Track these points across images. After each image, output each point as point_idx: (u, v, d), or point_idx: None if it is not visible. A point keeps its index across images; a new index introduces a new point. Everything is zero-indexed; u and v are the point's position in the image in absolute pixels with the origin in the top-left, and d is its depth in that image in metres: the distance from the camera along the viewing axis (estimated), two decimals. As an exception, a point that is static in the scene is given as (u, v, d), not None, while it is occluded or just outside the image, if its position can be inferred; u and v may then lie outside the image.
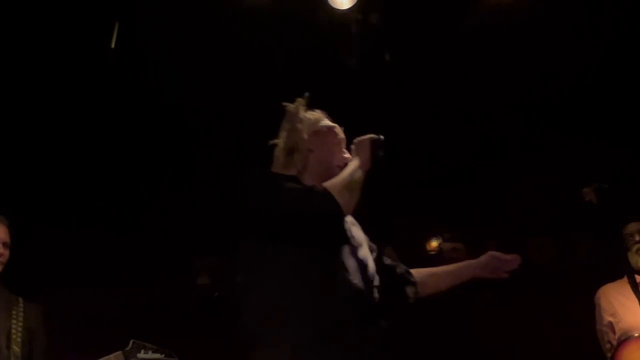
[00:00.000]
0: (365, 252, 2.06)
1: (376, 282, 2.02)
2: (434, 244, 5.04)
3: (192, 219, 4.40)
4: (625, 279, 3.06)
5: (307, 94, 2.16)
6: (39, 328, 2.95)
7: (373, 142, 2.05)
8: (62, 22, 3.54)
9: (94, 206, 4.33)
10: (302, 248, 1.87)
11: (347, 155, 2.12)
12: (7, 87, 3.72)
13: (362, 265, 1.98)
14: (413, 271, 2.27)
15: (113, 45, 3.36)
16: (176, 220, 4.42)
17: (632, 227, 3.29)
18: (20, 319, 2.86)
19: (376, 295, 1.98)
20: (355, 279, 1.92)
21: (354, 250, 2.00)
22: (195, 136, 4.20)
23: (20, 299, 2.93)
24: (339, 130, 2.18)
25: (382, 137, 2.06)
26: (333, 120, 2.19)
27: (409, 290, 2.20)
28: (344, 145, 2.16)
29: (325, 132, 2.15)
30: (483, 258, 2.26)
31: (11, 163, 3.96)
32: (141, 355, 3.04)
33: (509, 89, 3.96)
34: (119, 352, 3.02)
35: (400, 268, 2.25)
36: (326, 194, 1.88)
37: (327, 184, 1.93)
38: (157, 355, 3.08)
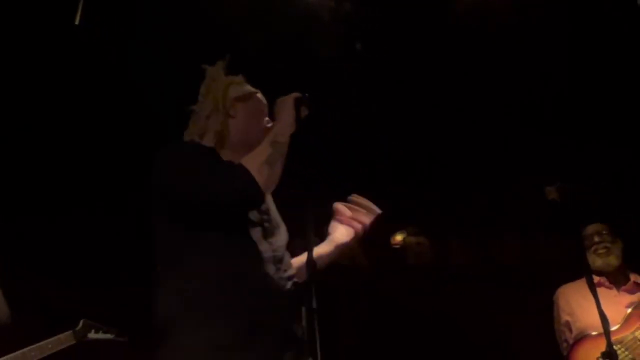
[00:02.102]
0: (282, 238, 1.93)
1: (290, 271, 1.88)
2: (398, 237, 5.07)
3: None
4: (583, 279, 3.12)
5: (228, 56, 2.02)
6: None
7: (297, 100, 1.87)
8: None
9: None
10: (219, 233, 1.74)
11: (269, 124, 1.97)
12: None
13: (276, 253, 1.85)
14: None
15: (77, 22, 3.25)
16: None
17: (591, 228, 3.37)
18: None
19: (290, 285, 1.84)
20: (270, 269, 1.79)
21: (269, 234, 1.87)
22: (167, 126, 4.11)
23: None
24: (261, 96, 2.04)
25: (307, 94, 1.89)
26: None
27: None
28: (266, 113, 2.01)
29: (247, 97, 2.00)
30: (329, 245, 2.05)
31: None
32: (91, 334, 3.07)
33: (476, 85, 3.97)
34: (69, 332, 3.03)
35: None
36: (244, 173, 1.71)
37: (245, 159, 1.76)
38: (107, 335, 3.10)
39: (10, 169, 3.88)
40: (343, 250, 2.09)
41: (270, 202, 1.97)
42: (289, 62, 3.71)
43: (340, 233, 2.09)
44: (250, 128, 1.97)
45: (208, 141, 1.96)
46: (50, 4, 3.44)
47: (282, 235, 1.94)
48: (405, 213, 4.85)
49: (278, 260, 1.84)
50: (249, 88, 2.05)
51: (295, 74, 3.55)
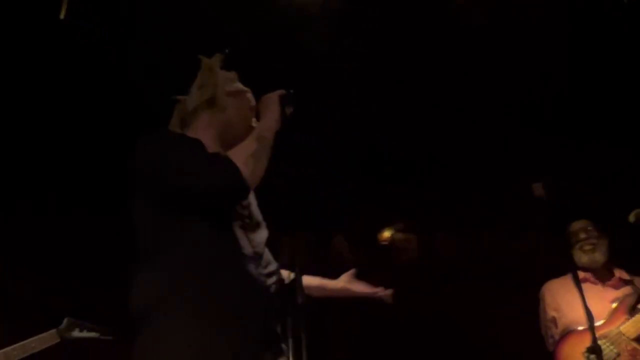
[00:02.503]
0: (261, 235, 1.89)
1: (270, 268, 1.85)
2: (386, 234, 5.07)
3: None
4: (569, 275, 3.14)
5: (227, 50, 2.01)
6: None
7: (282, 97, 1.88)
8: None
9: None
10: (201, 225, 1.69)
11: (255, 124, 1.95)
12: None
13: (256, 249, 1.81)
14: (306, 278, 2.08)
15: (62, 16, 3.21)
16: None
17: (576, 225, 3.39)
18: None
19: (270, 282, 1.81)
20: (250, 265, 1.75)
21: (249, 230, 1.83)
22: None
23: None
24: (251, 96, 2.03)
25: (292, 91, 1.89)
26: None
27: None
28: (254, 112, 1.99)
29: (239, 93, 2.00)
30: (341, 284, 2.27)
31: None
32: (76, 333, 3.00)
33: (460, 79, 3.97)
34: (52, 331, 2.98)
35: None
36: (230, 164, 1.67)
37: (232, 152, 1.73)
38: (92, 334, 3.04)
39: (10, 168, 3.85)
40: (349, 296, 2.28)
41: (252, 198, 1.94)
42: (287, 61, 3.69)
43: (358, 287, 2.28)
44: (239, 124, 1.96)
45: (192, 133, 1.92)
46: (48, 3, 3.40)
47: (262, 232, 1.91)
48: (395, 210, 4.86)
49: (258, 257, 1.81)
50: (241, 85, 2.05)
51: (293, 73, 3.54)
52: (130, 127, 3.89)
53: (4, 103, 3.67)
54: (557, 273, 3.33)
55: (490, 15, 3.60)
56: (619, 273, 3.31)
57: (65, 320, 3.01)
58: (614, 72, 3.90)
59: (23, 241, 4.00)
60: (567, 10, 3.59)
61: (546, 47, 3.78)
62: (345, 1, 3.60)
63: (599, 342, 2.76)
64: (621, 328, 3.03)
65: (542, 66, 3.88)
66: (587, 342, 2.75)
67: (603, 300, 3.12)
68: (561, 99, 4.02)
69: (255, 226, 1.89)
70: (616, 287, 3.25)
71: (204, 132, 1.91)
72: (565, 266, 3.18)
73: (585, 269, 3.28)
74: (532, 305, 3.41)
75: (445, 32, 3.69)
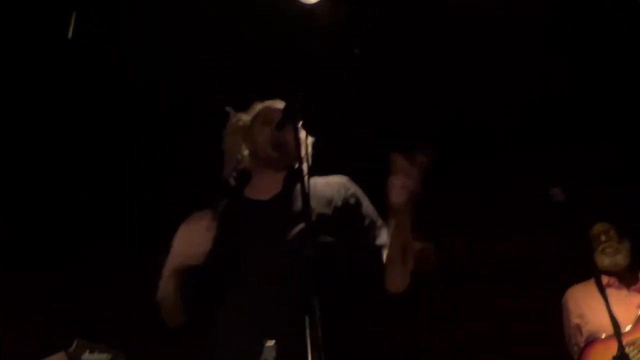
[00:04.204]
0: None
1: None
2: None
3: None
4: (592, 280, 3.07)
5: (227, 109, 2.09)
6: None
7: (284, 117, 1.77)
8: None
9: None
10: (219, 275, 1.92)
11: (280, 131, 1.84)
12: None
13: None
14: None
15: (70, 36, 3.22)
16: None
17: (597, 228, 3.33)
18: None
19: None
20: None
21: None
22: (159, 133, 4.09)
23: None
24: (267, 109, 2.01)
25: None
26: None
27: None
28: (277, 117, 1.87)
29: (251, 123, 2.03)
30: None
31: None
32: (86, 355, 2.89)
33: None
34: (61, 353, 2.88)
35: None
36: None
37: None
38: (104, 356, 2.94)
39: (10, 168, 3.87)
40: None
41: (314, 197, 1.83)
42: (287, 61, 3.69)
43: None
44: (258, 148, 1.98)
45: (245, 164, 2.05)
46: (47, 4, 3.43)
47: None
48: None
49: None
50: (255, 111, 2.07)
51: (294, 73, 3.54)
52: (130, 128, 3.92)
53: (3, 103, 3.69)
54: (578, 277, 3.26)
55: (491, 15, 3.57)
56: (645, 277, 3.24)
57: (75, 342, 2.92)
58: (615, 72, 3.84)
59: (23, 241, 4.01)
60: (567, 10, 3.56)
61: (546, 47, 3.73)
62: (345, 2, 3.60)
63: (626, 349, 2.69)
64: (648, 334, 2.94)
65: (543, 66, 3.83)
66: (613, 349, 2.68)
67: (629, 306, 3.04)
68: (563, 99, 3.98)
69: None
70: (642, 292, 3.17)
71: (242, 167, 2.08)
72: (586, 270, 3.13)
73: (608, 273, 3.21)
74: (544, 308, 3.34)
75: (445, 32, 3.67)
